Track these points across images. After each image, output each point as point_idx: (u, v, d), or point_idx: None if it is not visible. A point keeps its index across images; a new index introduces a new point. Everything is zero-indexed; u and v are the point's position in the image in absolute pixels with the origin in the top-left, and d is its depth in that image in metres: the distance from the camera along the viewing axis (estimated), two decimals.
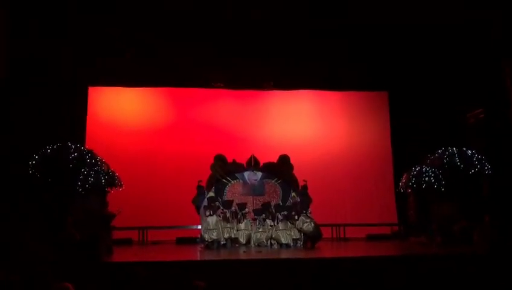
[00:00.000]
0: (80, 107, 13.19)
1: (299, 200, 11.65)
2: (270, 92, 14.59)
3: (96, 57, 12.79)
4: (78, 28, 12.01)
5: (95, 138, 13.01)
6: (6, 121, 11.36)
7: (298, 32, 12.70)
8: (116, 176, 10.85)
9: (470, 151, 11.74)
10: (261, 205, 11.46)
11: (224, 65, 13.58)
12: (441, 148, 12.00)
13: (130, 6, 11.58)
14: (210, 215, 10.81)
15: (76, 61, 12.60)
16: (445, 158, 11.74)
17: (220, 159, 12.06)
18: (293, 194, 11.92)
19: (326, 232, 11.87)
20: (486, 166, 11.54)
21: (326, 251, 10.30)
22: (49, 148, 10.45)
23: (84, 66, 12.79)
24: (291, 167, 12.22)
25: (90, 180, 10.23)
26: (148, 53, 13.09)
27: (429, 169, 11.67)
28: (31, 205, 9.74)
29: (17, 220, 8.87)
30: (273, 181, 12.17)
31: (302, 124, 14.56)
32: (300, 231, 10.85)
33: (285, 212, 11.13)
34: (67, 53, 12.31)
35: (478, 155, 11.69)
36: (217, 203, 11.25)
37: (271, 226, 10.99)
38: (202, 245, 10.82)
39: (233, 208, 11.20)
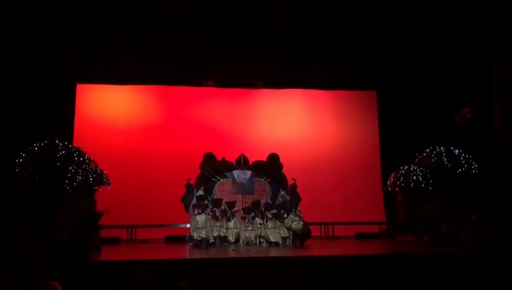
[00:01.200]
0: (68, 105, 13.09)
1: (288, 198, 11.67)
2: (259, 90, 14.60)
3: (85, 54, 12.72)
4: (72, 27, 11.94)
5: (83, 135, 12.91)
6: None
7: (288, 32, 12.72)
8: (104, 174, 10.76)
9: (457, 151, 11.85)
10: (251, 204, 11.47)
11: (214, 64, 13.58)
12: (429, 148, 12.10)
13: (122, 4, 11.49)
14: (199, 213, 10.78)
15: (66, 58, 12.51)
16: (433, 157, 11.84)
17: (209, 158, 12.03)
18: (283, 192, 11.94)
19: (315, 231, 11.91)
20: (473, 165, 11.66)
21: (315, 249, 10.34)
22: (36, 146, 10.33)
23: (73, 63, 12.71)
24: (280, 165, 12.23)
25: (78, 178, 10.13)
26: (138, 51, 13.04)
27: (417, 168, 11.76)
28: (21, 204, 9.65)
29: (8, 219, 8.79)
30: (262, 180, 12.18)
31: (292, 123, 14.59)
32: (289, 229, 10.88)
33: (275, 211, 11.14)
34: (56, 50, 12.22)
35: (465, 154, 11.80)
36: (206, 201, 11.22)
37: (260, 224, 11.00)
38: (191, 244, 10.80)
39: (222, 207, 11.19)
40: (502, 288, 6.02)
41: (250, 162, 12.23)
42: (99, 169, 10.74)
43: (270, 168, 12.21)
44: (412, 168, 11.79)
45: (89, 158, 10.69)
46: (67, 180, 10.07)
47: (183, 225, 12.16)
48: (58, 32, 11.79)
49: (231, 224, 11.02)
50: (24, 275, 5.25)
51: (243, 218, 11.25)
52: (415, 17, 11.75)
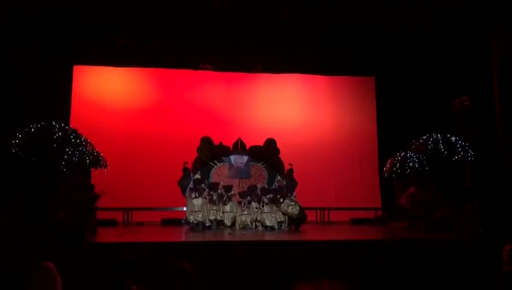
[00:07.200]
0: (64, 86, 13.03)
1: (284, 183, 11.71)
2: (257, 75, 14.54)
3: (82, 36, 12.61)
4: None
5: (79, 117, 12.88)
6: None
7: (287, 16, 12.59)
8: (101, 156, 10.75)
9: (453, 138, 11.84)
10: (247, 188, 11.51)
11: (212, 47, 13.49)
12: (426, 134, 12.09)
13: None
14: (196, 197, 10.82)
15: (62, 39, 12.42)
16: (430, 144, 11.82)
17: (206, 142, 12.03)
18: (279, 177, 11.98)
19: (310, 216, 11.97)
20: (469, 153, 11.67)
21: (310, 233, 10.40)
22: (32, 127, 10.28)
23: (69, 44, 12.62)
24: (277, 150, 12.25)
25: (75, 160, 10.10)
26: (136, 34, 12.94)
27: (414, 155, 11.76)
28: (15, 185, 9.63)
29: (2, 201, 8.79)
30: (259, 164, 12.21)
31: (289, 108, 14.58)
32: (285, 213, 10.93)
33: (271, 196, 11.19)
34: (53, 30, 12.12)
35: (461, 142, 11.80)
36: (202, 185, 11.26)
37: (256, 208, 11.06)
38: (187, 227, 10.85)
39: (219, 191, 11.23)
40: (491, 276, 6.08)
41: (247, 147, 12.23)
42: (96, 151, 10.71)
43: (266, 152, 12.22)
44: (408, 154, 11.78)
45: (85, 140, 10.63)
46: (63, 161, 10.04)
47: (179, 208, 12.21)
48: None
49: (227, 208, 11.08)
50: (17, 256, 5.24)
51: (239, 202, 11.30)
52: (403, 6, 11.65)
